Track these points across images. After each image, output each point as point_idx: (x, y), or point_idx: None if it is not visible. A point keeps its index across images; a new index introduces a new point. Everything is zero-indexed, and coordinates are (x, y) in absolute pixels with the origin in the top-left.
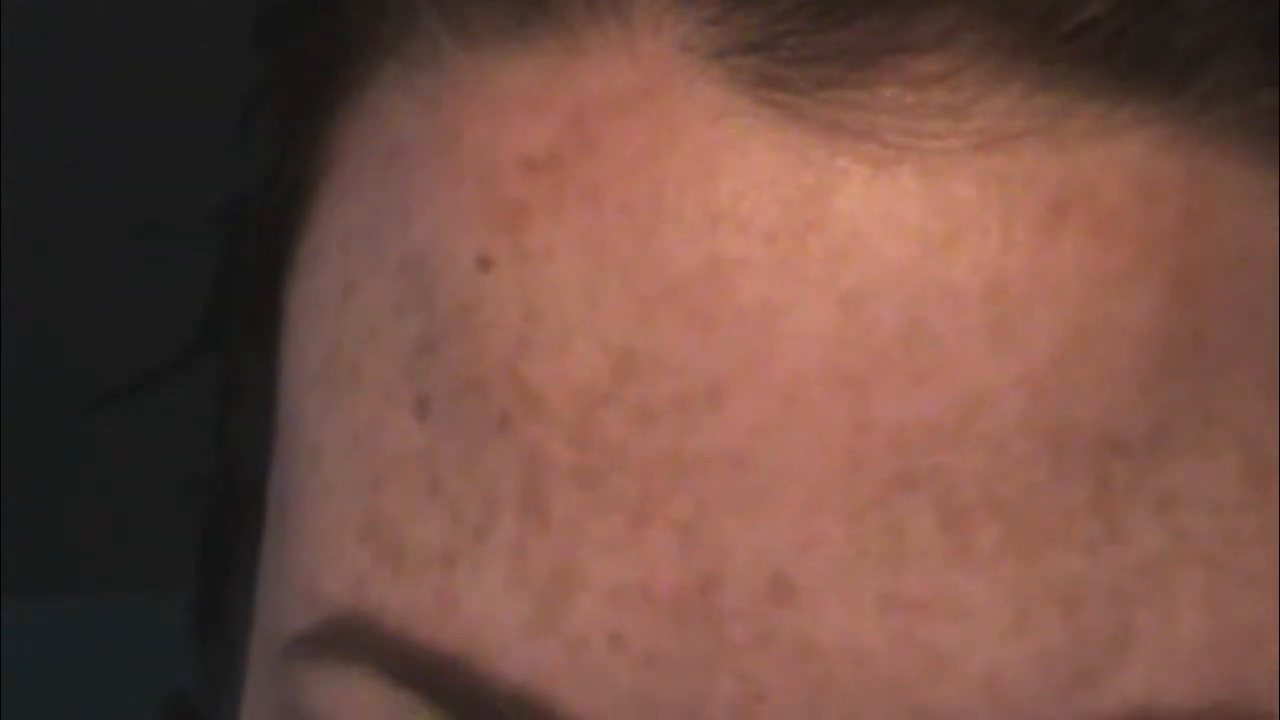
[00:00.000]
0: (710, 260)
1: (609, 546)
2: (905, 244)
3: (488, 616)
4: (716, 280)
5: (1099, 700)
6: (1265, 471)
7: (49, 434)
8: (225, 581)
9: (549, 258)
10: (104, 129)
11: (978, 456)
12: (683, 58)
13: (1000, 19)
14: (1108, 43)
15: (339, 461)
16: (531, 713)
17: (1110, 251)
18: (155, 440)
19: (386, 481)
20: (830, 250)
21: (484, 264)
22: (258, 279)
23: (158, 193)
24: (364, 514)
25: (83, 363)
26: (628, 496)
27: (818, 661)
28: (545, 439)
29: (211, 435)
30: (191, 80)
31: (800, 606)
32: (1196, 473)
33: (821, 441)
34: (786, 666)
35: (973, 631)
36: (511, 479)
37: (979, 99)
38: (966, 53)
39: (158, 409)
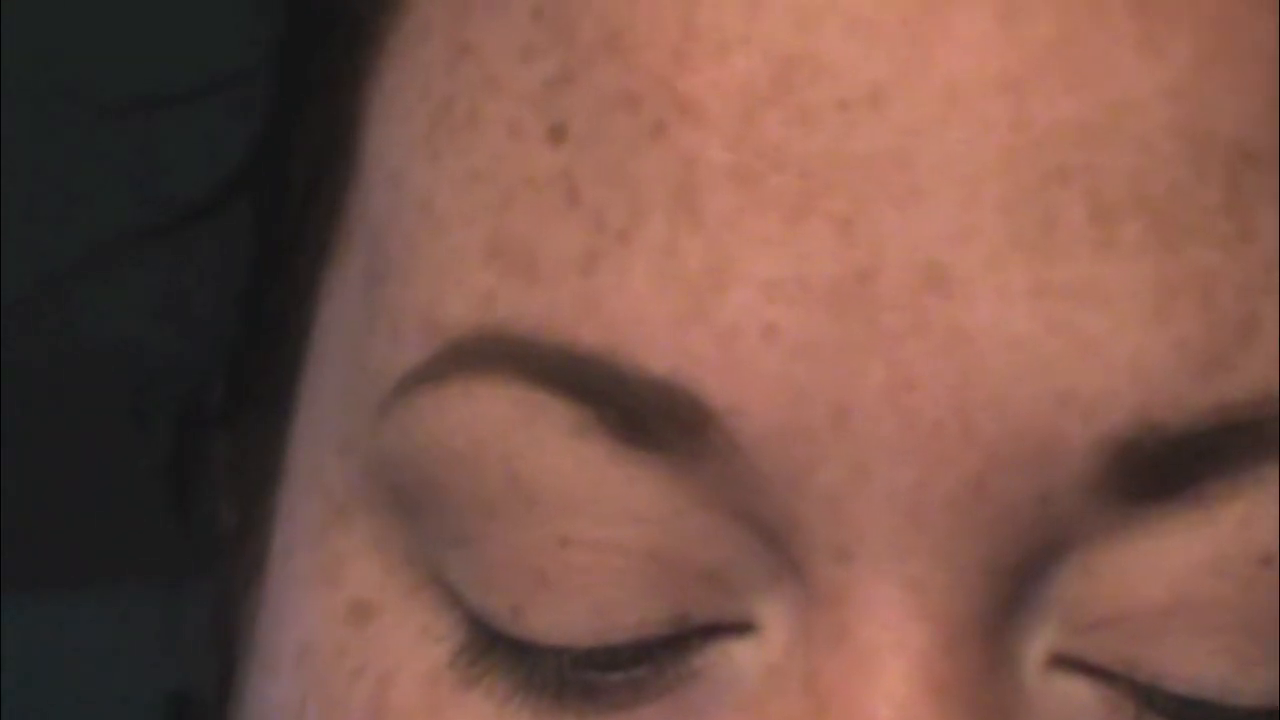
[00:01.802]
0: None
1: (765, 241)
2: None
3: (633, 312)
4: None
5: (1231, 384)
6: None
7: (49, 427)
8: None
9: None
10: None
11: (1126, 155)
12: None
13: None
14: None
15: (454, 199)
16: (678, 402)
17: None
18: (155, 432)
19: (515, 203)
20: None
21: None
22: (328, 87)
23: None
24: (489, 237)
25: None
26: (785, 194)
27: (969, 348)
28: (701, 142)
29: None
30: None
31: (954, 295)
32: None
33: (979, 138)
34: (938, 353)
35: (1118, 318)
36: (662, 182)
37: None
38: None
39: (160, 400)
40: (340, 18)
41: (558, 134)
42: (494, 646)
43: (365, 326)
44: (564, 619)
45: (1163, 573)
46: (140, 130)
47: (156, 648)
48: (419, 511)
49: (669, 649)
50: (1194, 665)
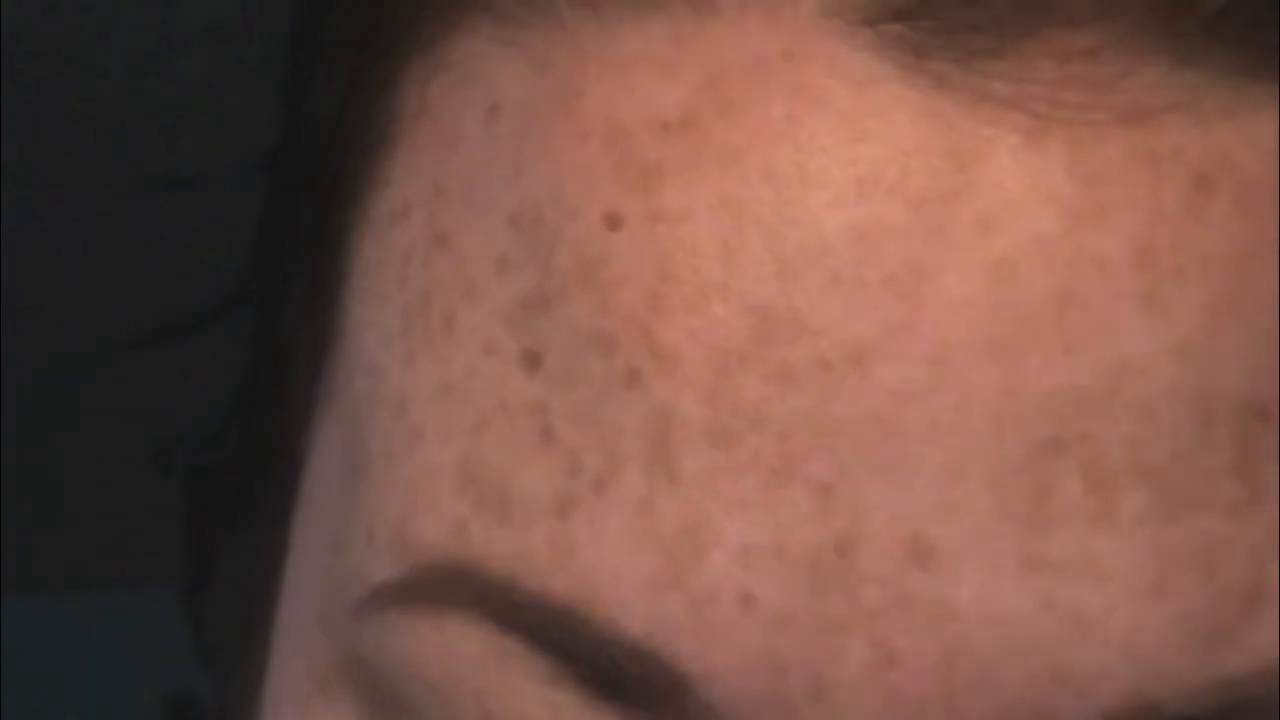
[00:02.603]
0: (857, 224)
1: (742, 505)
2: (1055, 213)
3: (607, 568)
4: (863, 244)
5: (1233, 658)
6: None
7: (49, 427)
8: (235, 548)
9: (685, 218)
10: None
11: (1126, 422)
12: (826, 23)
13: None
14: (1247, 24)
15: (429, 410)
16: (651, 668)
17: (1252, 223)
18: (157, 432)
19: (488, 429)
20: (980, 217)
21: (612, 222)
22: (315, 234)
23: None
24: (462, 461)
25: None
26: (764, 456)
27: (954, 624)
28: (677, 396)
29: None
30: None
31: (939, 570)
32: None
33: (968, 406)
34: (922, 630)
35: (1113, 594)
36: (638, 434)
37: (1125, 74)
38: (1115, 28)
39: (162, 403)
40: (329, 165)
41: (532, 362)
42: None
43: (345, 511)
44: None
45: None
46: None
47: (156, 649)
48: (397, 715)
49: None
50: None
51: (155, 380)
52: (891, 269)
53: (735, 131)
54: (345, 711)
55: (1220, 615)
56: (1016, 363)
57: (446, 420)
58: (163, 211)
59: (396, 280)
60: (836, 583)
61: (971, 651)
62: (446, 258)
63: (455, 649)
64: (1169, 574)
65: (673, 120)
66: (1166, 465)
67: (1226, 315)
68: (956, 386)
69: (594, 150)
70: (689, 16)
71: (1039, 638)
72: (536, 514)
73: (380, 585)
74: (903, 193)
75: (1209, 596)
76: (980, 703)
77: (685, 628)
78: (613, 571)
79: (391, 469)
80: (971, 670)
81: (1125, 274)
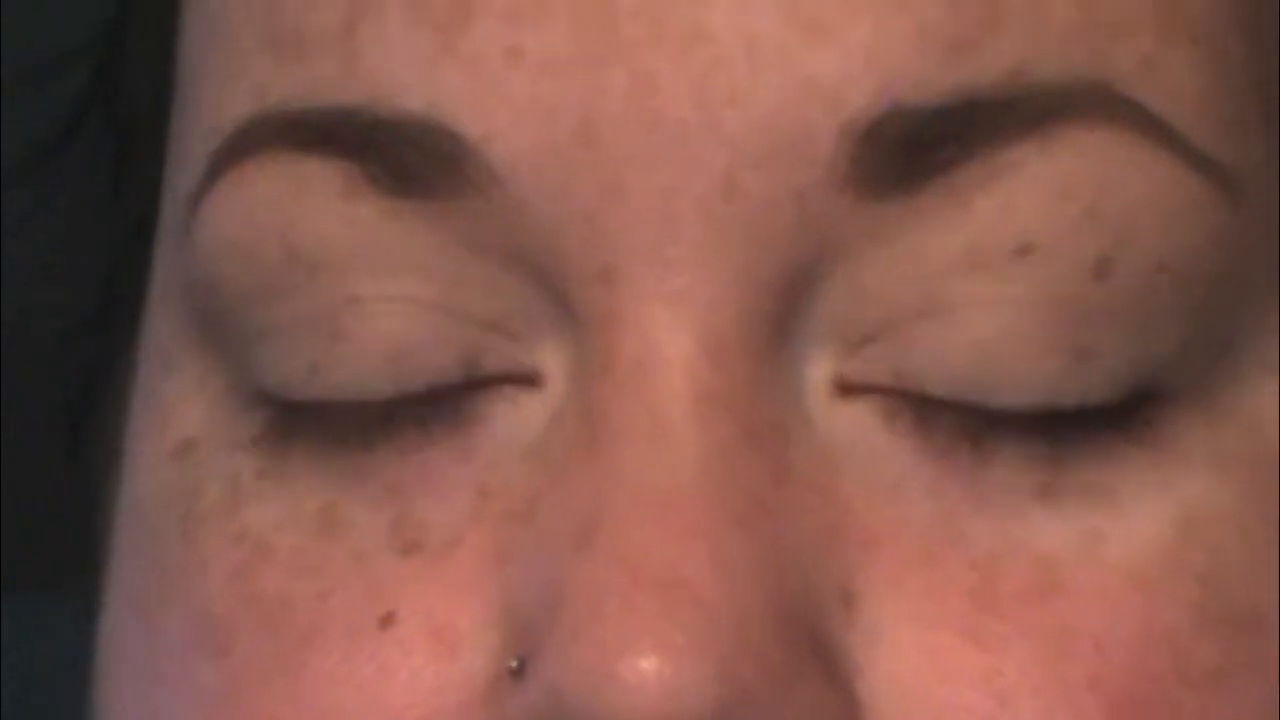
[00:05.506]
0: None
1: None
2: None
3: (388, 61)
4: None
5: (975, 65)
6: None
7: (49, 430)
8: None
9: None
10: None
11: None
12: None
13: None
14: None
15: (237, 11)
16: (436, 137)
17: None
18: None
19: None
20: None
21: None
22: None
23: None
24: (264, 29)
25: None
26: None
27: (708, 47)
28: None
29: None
30: None
31: None
32: None
33: None
34: (677, 55)
35: (856, 5)
36: None
37: None
38: None
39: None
40: None
41: None
42: (292, 432)
43: (173, 170)
44: (360, 370)
45: (920, 276)
46: None
47: None
48: (219, 324)
49: (460, 396)
50: (950, 368)
51: None
52: None
53: None
54: (186, 373)
55: (958, 28)
56: None
57: (252, 5)
58: None
59: None
60: (596, 23)
61: (725, 69)
62: None
63: (254, 194)
64: None
65: None
66: None
67: None
68: None
69: None
70: None
71: (787, 51)
72: (326, 43)
73: (194, 180)
74: None
75: (946, 8)
76: (737, 118)
77: (462, 93)
78: (392, 62)
79: (204, 75)
80: (726, 87)
81: None
